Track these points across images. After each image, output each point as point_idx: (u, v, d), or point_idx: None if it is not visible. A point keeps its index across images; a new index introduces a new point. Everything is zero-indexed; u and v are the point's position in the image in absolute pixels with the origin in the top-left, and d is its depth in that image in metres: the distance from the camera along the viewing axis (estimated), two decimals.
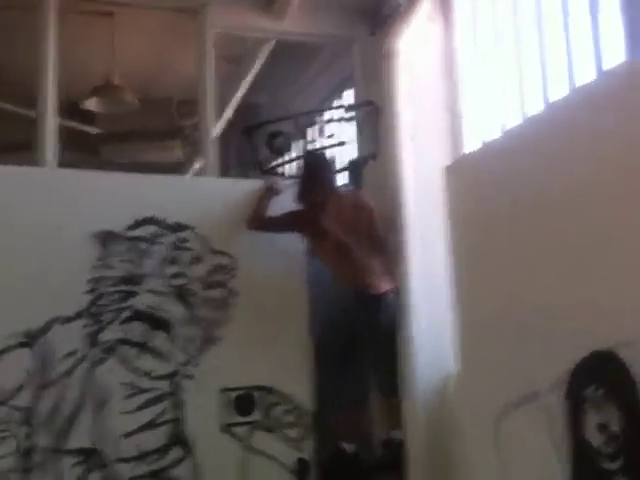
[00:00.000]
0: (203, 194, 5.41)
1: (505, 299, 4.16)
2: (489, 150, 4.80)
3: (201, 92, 5.74)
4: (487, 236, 4.37)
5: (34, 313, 4.96)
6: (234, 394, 5.18)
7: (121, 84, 6.92)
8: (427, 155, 5.41)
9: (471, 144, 5.37)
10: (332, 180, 5.25)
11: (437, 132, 5.45)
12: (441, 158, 5.35)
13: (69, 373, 4.98)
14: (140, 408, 5.03)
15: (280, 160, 5.83)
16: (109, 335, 5.07)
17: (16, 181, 5.10)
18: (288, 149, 5.76)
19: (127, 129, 7.84)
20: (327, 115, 5.90)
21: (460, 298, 4.70)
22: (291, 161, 5.85)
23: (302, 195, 5.22)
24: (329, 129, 5.77)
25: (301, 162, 5.44)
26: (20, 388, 4.87)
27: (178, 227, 5.28)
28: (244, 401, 5.18)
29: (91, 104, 7.09)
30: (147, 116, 7.55)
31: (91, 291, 5.10)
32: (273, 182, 5.42)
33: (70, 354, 4.99)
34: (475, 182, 4.58)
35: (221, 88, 5.95)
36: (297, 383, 5.27)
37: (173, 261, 5.23)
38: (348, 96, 6.52)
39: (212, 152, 5.72)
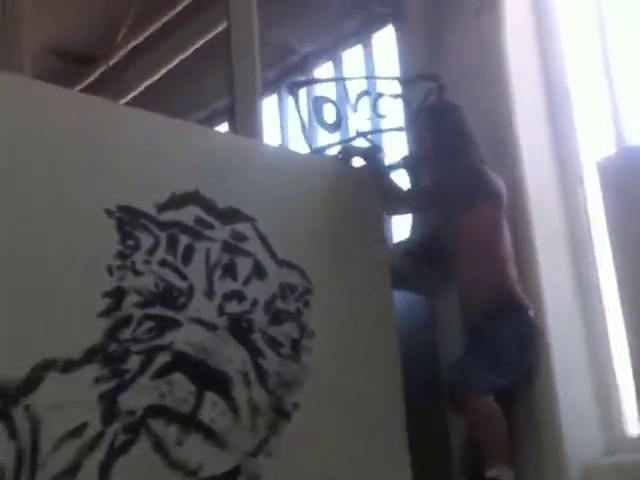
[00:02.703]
0: (265, 168, 3.24)
1: None
2: None
3: None
4: None
5: (11, 353, 2.48)
6: None
7: None
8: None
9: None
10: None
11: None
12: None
13: (71, 472, 2.51)
14: None
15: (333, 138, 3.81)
16: (136, 397, 2.70)
17: None
18: (339, 125, 3.76)
19: None
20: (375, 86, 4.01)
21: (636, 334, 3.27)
22: (345, 141, 3.82)
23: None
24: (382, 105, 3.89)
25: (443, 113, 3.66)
26: None
27: (232, 215, 3.09)
28: None
29: None
30: None
31: (107, 313, 2.69)
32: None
33: (73, 434, 2.53)
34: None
35: None
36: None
37: (227, 271, 3.01)
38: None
39: None
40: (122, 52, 5.34)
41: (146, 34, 5.06)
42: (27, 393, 2.47)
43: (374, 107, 3.85)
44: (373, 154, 3.67)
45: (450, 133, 3.54)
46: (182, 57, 4.95)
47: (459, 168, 3.46)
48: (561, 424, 3.46)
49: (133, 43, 5.26)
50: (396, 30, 4.29)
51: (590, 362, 3.69)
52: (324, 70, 4.66)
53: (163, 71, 5.08)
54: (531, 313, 3.39)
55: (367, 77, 4.12)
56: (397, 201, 3.59)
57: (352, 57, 4.63)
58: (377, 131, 3.87)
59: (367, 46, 4.49)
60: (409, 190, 3.68)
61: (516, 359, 3.35)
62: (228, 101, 3.85)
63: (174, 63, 5.01)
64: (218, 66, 4.10)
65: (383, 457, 3.23)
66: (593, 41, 3.85)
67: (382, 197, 3.54)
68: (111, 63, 5.32)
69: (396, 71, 4.20)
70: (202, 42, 4.75)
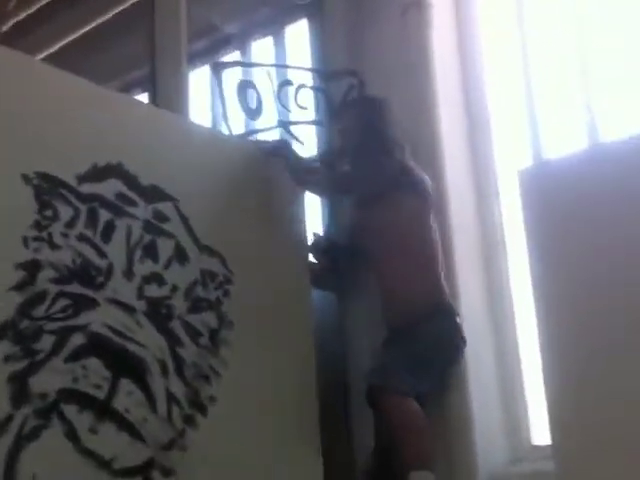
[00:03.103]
0: (189, 146, 3.07)
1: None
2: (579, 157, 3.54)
3: None
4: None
5: None
6: None
7: None
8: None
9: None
10: None
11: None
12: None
13: None
14: None
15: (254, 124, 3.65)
16: (48, 380, 2.48)
17: None
18: (260, 112, 3.61)
19: None
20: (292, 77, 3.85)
21: (549, 342, 3.16)
22: (269, 129, 3.64)
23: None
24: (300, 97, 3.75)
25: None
26: None
27: (154, 194, 2.91)
28: None
29: None
30: None
31: (20, 287, 2.47)
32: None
33: None
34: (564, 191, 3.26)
35: None
36: None
37: (148, 252, 2.83)
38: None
39: None
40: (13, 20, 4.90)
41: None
42: None
43: (295, 98, 3.74)
44: (282, 149, 3.45)
45: (376, 129, 3.39)
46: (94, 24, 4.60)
47: (383, 163, 3.33)
48: (473, 433, 3.40)
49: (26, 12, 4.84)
50: (311, 24, 4.18)
51: (499, 372, 3.65)
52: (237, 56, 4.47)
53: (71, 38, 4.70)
54: (458, 319, 3.26)
55: (293, 67, 3.95)
56: (316, 180, 3.43)
57: (261, 48, 4.47)
58: (298, 122, 3.72)
59: (278, 38, 4.34)
60: (331, 173, 3.54)
61: (440, 365, 3.24)
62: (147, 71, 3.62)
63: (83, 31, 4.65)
64: (137, 33, 3.87)
65: (295, 454, 3.09)
66: (514, 52, 3.86)
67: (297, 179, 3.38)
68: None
69: (309, 65, 4.09)
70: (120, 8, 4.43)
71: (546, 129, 3.73)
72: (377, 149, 3.34)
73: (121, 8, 4.35)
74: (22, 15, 4.66)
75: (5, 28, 4.65)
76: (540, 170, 3.52)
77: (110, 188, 2.75)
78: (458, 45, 3.99)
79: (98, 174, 2.72)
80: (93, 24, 4.52)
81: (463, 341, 3.28)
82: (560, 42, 3.78)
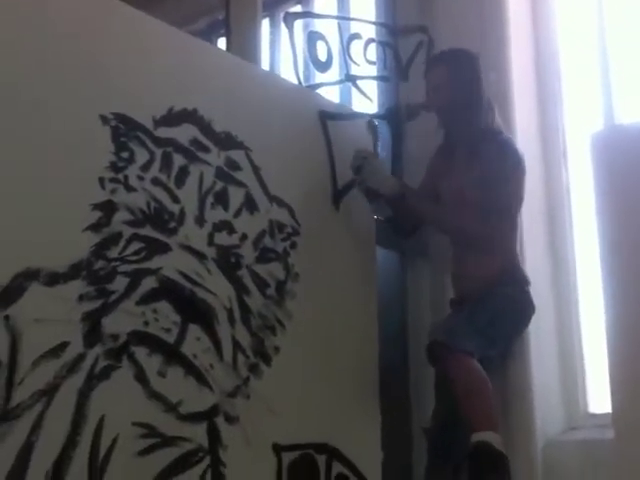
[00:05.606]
0: (263, 96, 3.04)
1: None
2: None
3: None
4: None
5: None
6: (289, 456, 2.87)
7: None
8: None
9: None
10: None
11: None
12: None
13: (49, 393, 2.28)
14: (164, 477, 2.50)
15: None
16: (120, 322, 2.48)
17: None
18: (330, 64, 3.56)
19: None
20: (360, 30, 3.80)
21: (615, 310, 3.08)
22: (336, 83, 3.59)
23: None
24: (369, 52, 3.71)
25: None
26: None
27: (228, 141, 2.88)
28: (303, 470, 2.90)
29: None
30: None
31: (95, 228, 2.46)
32: None
33: (54, 352, 2.30)
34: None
35: None
36: (364, 442, 3.12)
37: (219, 199, 2.81)
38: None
39: None
40: None
41: None
42: (8, 303, 2.22)
43: (364, 52, 3.68)
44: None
45: (468, 87, 3.27)
46: None
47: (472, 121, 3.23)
48: (532, 400, 3.37)
49: None
50: None
51: (559, 339, 3.61)
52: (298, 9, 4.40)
53: None
54: (528, 288, 3.21)
55: (363, 20, 3.84)
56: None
57: (324, 1, 4.40)
58: (365, 77, 3.67)
59: None
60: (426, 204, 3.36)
61: (509, 333, 3.21)
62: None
63: None
64: None
65: (355, 407, 3.10)
66: (588, 11, 3.78)
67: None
68: None
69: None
70: None
71: (619, 93, 3.66)
72: (468, 107, 3.24)
73: None
74: None
75: None
76: (613, 134, 3.46)
77: (185, 133, 2.73)
78: (532, 4, 3.91)
79: (174, 118, 2.70)
80: None
81: (533, 310, 3.23)
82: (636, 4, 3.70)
